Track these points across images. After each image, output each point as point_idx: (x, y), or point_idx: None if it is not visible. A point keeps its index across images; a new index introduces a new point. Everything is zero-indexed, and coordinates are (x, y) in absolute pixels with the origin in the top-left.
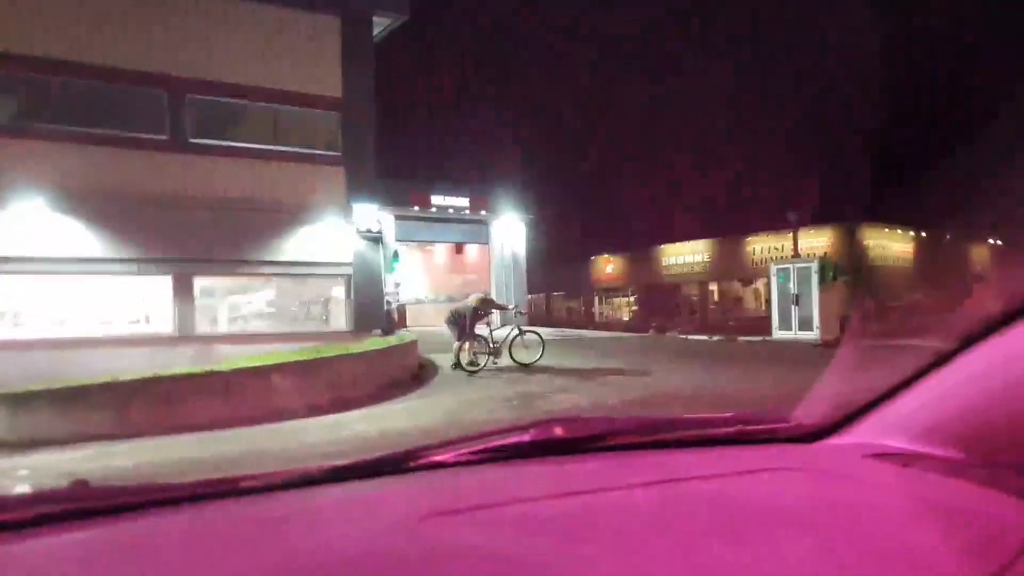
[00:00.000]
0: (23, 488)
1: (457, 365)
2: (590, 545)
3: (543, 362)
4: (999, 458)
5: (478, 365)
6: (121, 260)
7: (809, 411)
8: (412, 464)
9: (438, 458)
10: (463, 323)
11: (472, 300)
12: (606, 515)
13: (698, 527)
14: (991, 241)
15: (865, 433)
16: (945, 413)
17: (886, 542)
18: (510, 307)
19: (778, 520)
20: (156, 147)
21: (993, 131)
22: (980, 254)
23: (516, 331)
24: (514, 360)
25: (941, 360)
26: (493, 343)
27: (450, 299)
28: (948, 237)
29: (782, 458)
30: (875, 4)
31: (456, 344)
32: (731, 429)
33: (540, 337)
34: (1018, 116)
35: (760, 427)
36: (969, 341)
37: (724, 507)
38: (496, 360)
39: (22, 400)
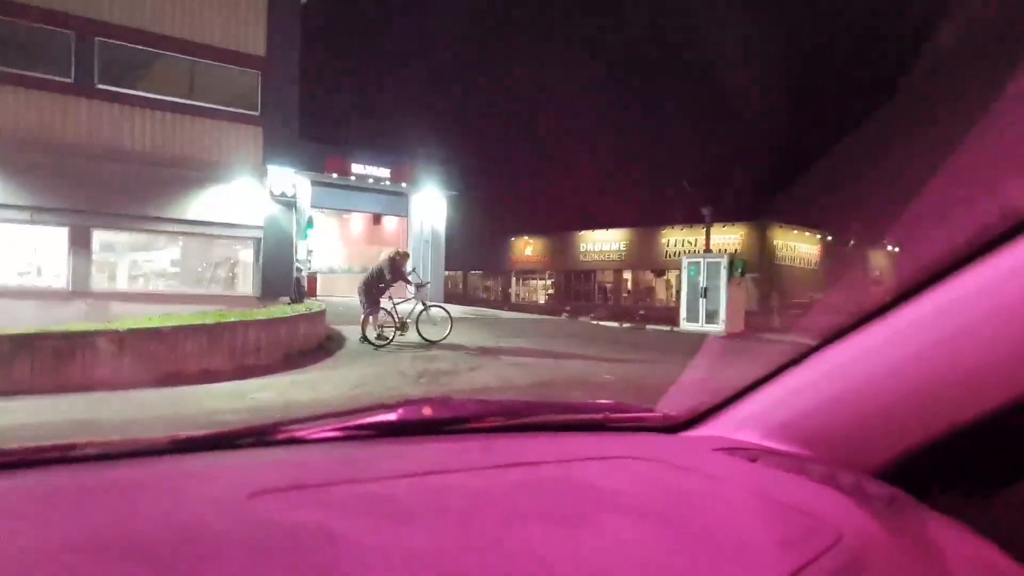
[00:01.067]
0: None
1: (365, 339)
2: (419, 527)
3: (457, 340)
4: (839, 456)
5: (386, 339)
6: (12, 207)
7: (675, 402)
8: (271, 438)
9: (300, 433)
10: (372, 290)
11: (383, 255)
12: (446, 497)
13: (534, 510)
14: (890, 248)
15: (723, 427)
16: (797, 410)
17: (713, 532)
18: (423, 283)
19: (614, 507)
20: (60, 90)
21: (901, 141)
22: (880, 259)
23: (421, 306)
24: (421, 336)
25: (800, 357)
26: (399, 317)
27: (364, 269)
28: (852, 242)
29: (638, 447)
30: (791, 5)
31: (363, 316)
32: (597, 416)
33: (448, 313)
34: (927, 126)
35: (625, 415)
36: (826, 340)
37: (566, 492)
38: (403, 334)
39: None
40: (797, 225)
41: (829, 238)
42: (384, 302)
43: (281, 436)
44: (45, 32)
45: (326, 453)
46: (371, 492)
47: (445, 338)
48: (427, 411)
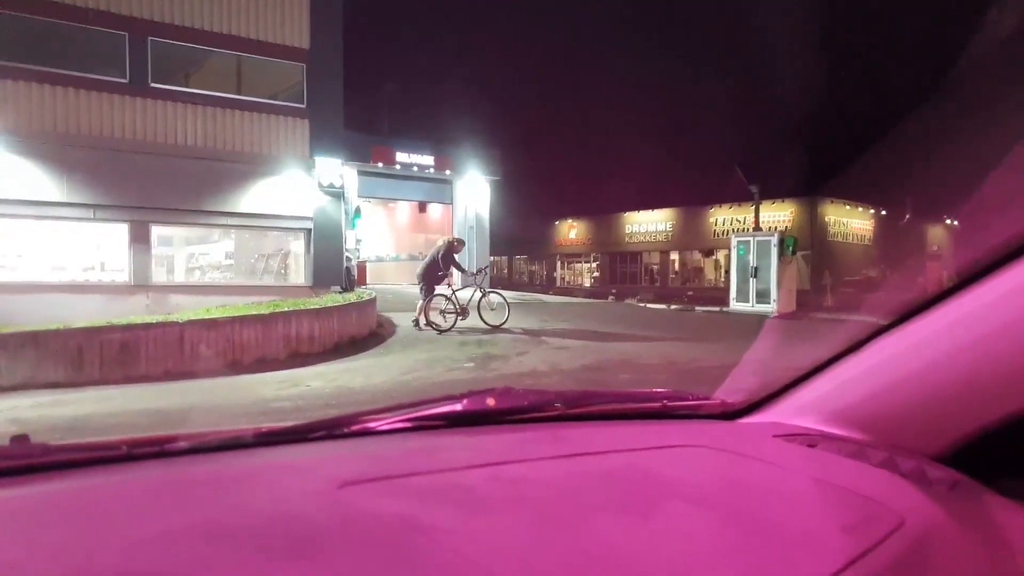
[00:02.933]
0: None
1: (419, 323)
2: (500, 517)
3: (505, 324)
4: (899, 441)
5: (444, 325)
6: (76, 205)
7: (733, 388)
8: (343, 431)
9: (370, 425)
10: (430, 277)
11: (440, 242)
12: (522, 487)
13: (604, 500)
14: (948, 222)
15: (782, 413)
16: (856, 395)
17: (776, 520)
18: (472, 271)
19: (680, 496)
20: (116, 90)
21: (957, 114)
22: (937, 234)
23: (480, 292)
24: (484, 321)
25: (859, 343)
26: (460, 303)
27: (411, 257)
28: (907, 216)
29: (698, 435)
30: None
31: (420, 303)
32: (655, 404)
33: (504, 298)
34: (982, 100)
35: (683, 403)
36: (884, 326)
37: (633, 482)
38: (463, 320)
39: None
40: (849, 200)
41: (883, 213)
42: (443, 289)
43: (355, 428)
44: (101, 34)
45: (401, 444)
46: (451, 482)
47: (505, 322)
48: (491, 401)
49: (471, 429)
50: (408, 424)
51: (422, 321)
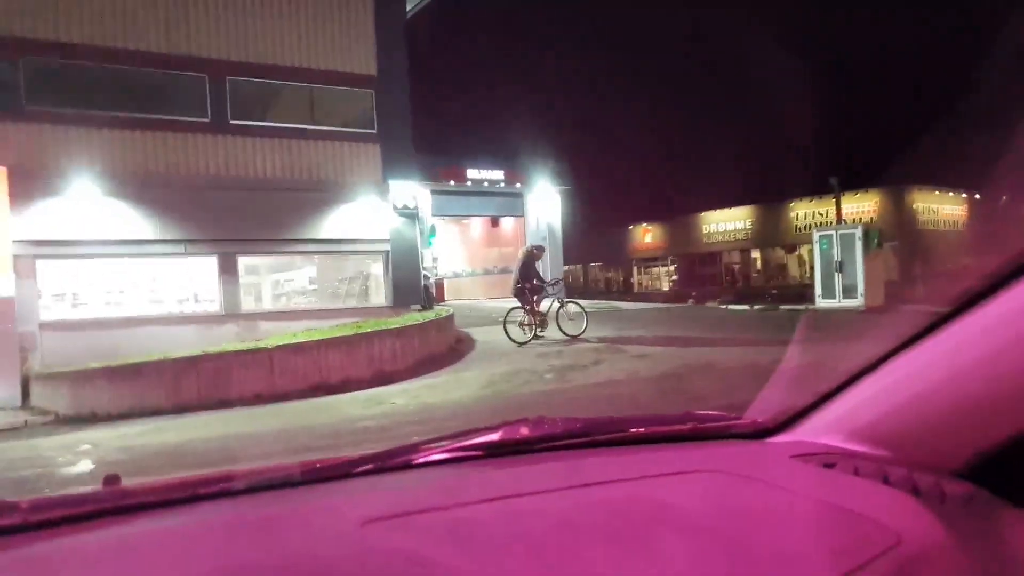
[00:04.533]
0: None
1: (511, 337)
2: (498, 552)
3: (583, 334)
4: (920, 456)
5: (524, 338)
6: (169, 241)
7: (764, 406)
8: (387, 464)
9: (411, 458)
10: (520, 290)
11: (520, 254)
12: (525, 520)
13: (601, 531)
14: None
15: (810, 431)
16: (880, 411)
17: (766, 545)
18: (551, 282)
19: (675, 524)
20: (199, 129)
21: None
22: None
23: (558, 303)
24: (562, 331)
25: (886, 356)
26: (540, 315)
27: (487, 272)
28: (1004, 198)
29: (717, 459)
30: None
31: (516, 316)
32: (685, 427)
33: (582, 308)
34: None
35: (712, 425)
36: (910, 339)
37: (635, 511)
38: (543, 331)
39: (82, 377)
40: (938, 186)
41: (976, 196)
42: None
43: (396, 462)
44: (182, 78)
45: (430, 478)
46: (462, 517)
47: (583, 332)
48: (524, 431)
49: (502, 460)
50: (445, 455)
51: (514, 334)
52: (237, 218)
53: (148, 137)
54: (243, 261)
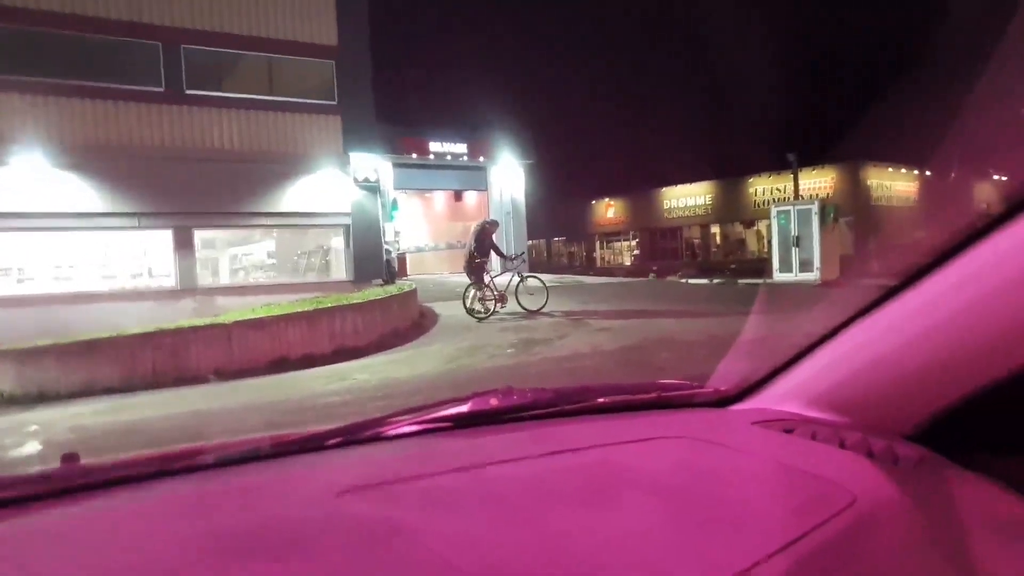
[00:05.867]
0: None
1: (470, 311)
2: (474, 517)
3: (547, 308)
4: (874, 421)
5: (486, 312)
6: (122, 214)
7: (725, 376)
8: (358, 437)
9: (380, 431)
10: (472, 265)
11: (473, 227)
12: (498, 486)
13: (571, 495)
14: (995, 177)
15: (770, 399)
16: (836, 378)
17: (729, 506)
18: (511, 256)
19: (642, 487)
20: (153, 99)
21: (994, 62)
22: (984, 190)
23: (518, 277)
24: (521, 306)
25: (841, 325)
26: (498, 290)
27: (450, 246)
28: (952, 175)
29: (682, 426)
30: None
31: (471, 292)
32: (650, 396)
33: (543, 282)
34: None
35: (678, 393)
36: (864, 307)
37: (602, 476)
38: (503, 306)
39: (30, 355)
40: (891, 162)
41: (928, 173)
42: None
43: (366, 434)
44: (135, 45)
45: (401, 449)
46: (436, 486)
47: (544, 306)
48: (493, 402)
49: (472, 430)
50: (416, 427)
51: (475, 308)
52: (193, 191)
53: (99, 106)
54: (200, 235)
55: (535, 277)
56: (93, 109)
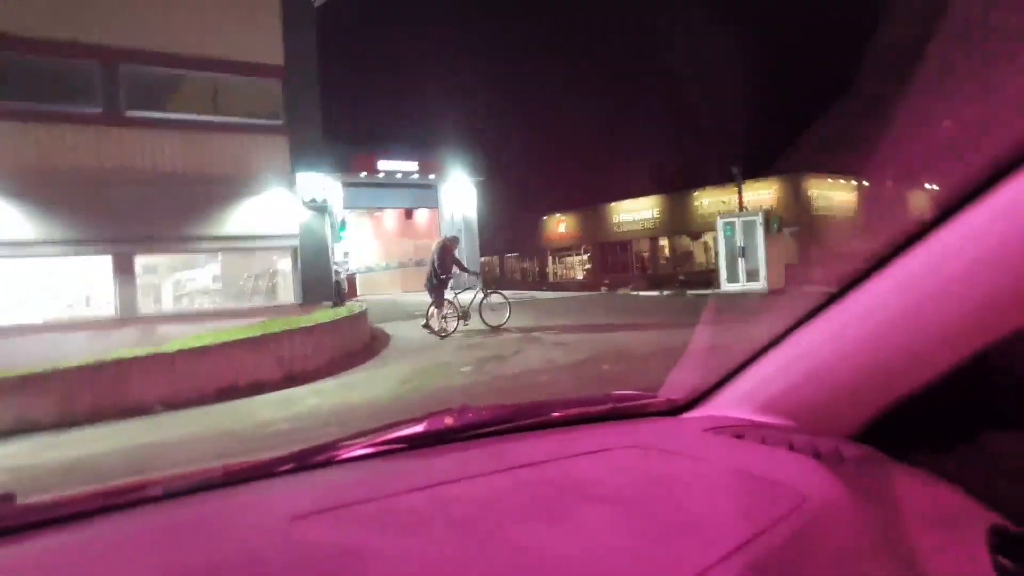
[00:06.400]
0: None
1: (431, 329)
2: (430, 537)
3: (505, 324)
4: (820, 424)
5: (448, 330)
6: (56, 242)
7: (676, 385)
8: (310, 462)
9: (333, 454)
10: (434, 282)
11: (434, 246)
12: (454, 505)
13: (526, 510)
14: (927, 186)
15: (721, 406)
16: (783, 384)
17: (681, 511)
18: (476, 272)
19: (596, 498)
20: (90, 121)
21: (920, 80)
22: (917, 199)
23: (482, 294)
24: (485, 323)
25: (787, 333)
26: (461, 306)
27: (402, 265)
28: (889, 184)
29: (636, 435)
30: None
31: (432, 310)
32: (604, 408)
33: (505, 298)
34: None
35: (630, 404)
36: (808, 314)
37: (558, 489)
38: (467, 323)
39: None
40: (831, 174)
41: (865, 184)
42: (446, 293)
43: (319, 459)
44: (70, 65)
45: (356, 472)
46: (392, 507)
47: (506, 322)
48: (448, 420)
49: (427, 450)
50: (370, 450)
51: (436, 327)
52: (134, 215)
53: (31, 129)
54: (140, 260)
55: (499, 293)
56: (23, 131)
